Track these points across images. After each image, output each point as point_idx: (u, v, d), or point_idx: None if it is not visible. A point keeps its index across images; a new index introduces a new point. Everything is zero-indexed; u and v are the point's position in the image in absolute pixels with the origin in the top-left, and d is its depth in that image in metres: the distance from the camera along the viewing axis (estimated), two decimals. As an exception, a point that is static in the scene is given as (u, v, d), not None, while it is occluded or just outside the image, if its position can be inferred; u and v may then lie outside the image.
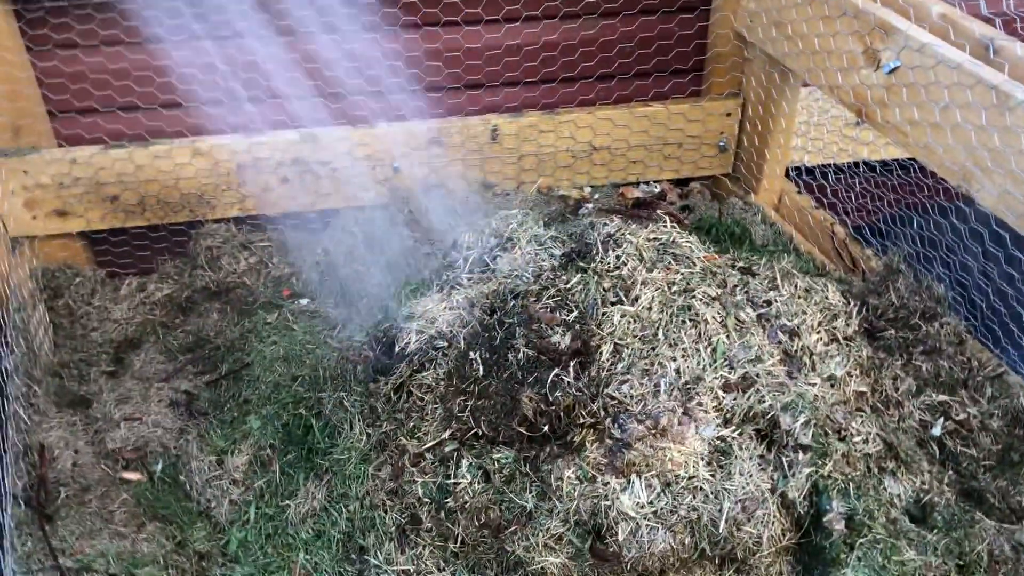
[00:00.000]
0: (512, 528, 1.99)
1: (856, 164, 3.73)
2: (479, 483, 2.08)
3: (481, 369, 2.15)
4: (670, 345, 2.05)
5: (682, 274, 2.19)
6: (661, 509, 1.90)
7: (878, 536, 1.98)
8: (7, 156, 3.02)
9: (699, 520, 1.91)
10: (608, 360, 2.04)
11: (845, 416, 2.15)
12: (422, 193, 3.33)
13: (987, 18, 2.54)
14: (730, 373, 2.05)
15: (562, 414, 2.04)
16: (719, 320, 2.12)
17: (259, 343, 2.86)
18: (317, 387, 2.54)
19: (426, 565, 2.09)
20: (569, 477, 1.96)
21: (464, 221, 3.14)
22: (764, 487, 1.95)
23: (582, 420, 2.01)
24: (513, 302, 2.19)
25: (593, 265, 2.20)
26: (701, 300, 2.12)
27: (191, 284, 3.20)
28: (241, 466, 2.50)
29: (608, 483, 1.93)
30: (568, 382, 2.04)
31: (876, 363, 2.45)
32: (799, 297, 2.26)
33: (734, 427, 2.00)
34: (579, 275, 2.19)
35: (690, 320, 2.10)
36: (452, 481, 2.09)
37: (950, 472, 2.33)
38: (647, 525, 1.89)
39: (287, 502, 2.37)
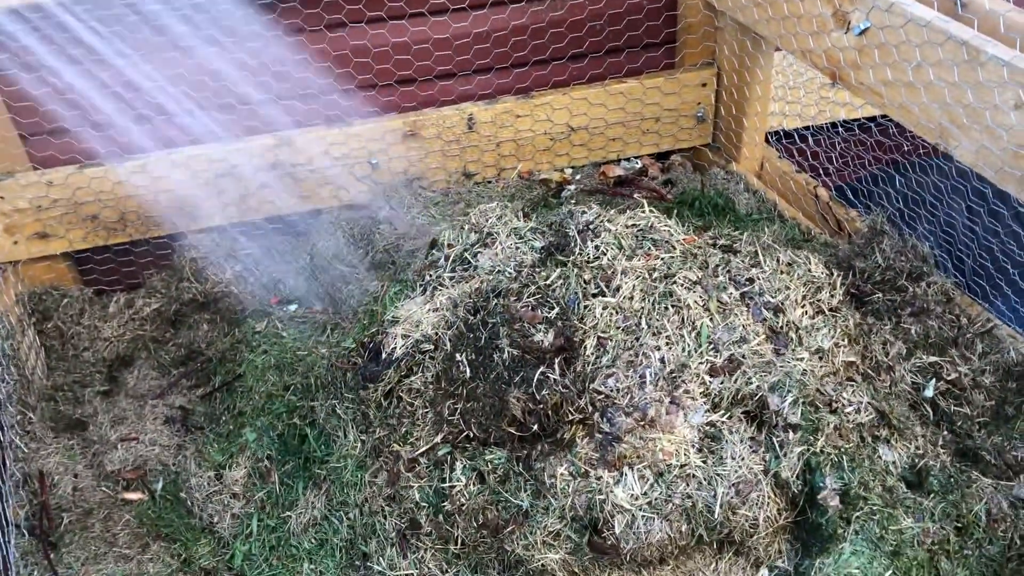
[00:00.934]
0: (510, 528, 2.01)
1: (835, 124, 3.70)
2: (474, 485, 2.09)
3: (468, 371, 2.15)
4: (653, 334, 2.05)
5: (662, 259, 2.18)
6: (655, 499, 1.91)
7: (874, 507, 1.99)
8: (-18, 183, 3.00)
9: (694, 507, 1.92)
10: (592, 354, 2.04)
11: (835, 388, 2.15)
12: (402, 187, 3.32)
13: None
14: (716, 357, 2.05)
15: (550, 412, 2.04)
16: (702, 304, 2.11)
17: (250, 353, 2.86)
18: (309, 395, 2.54)
19: (429, 568, 2.11)
20: (562, 474, 1.97)
21: (445, 213, 3.14)
22: (757, 469, 1.96)
23: (571, 417, 2.01)
24: (495, 301, 2.18)
25: (572, 258, 2.20)
26: (682, 285, 2.12)
27: (179, 297, 3.19)
28: (240, 479, 2.51)
29: (601, 477, 1.94)
30: (554, 379, 2.04)
31: (865, 329, 2.45)
32: (782, 272, 2.26)
33: (723, 411, 2.00)
34: (559, 269, 2.18)
35: (672, 306, 2.09)
36: (448, 484, 2.10)
37: (945, 433, 2.34)
38: (643, 516, 1.90)
39: (288, 513, 2.38)
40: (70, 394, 2.91)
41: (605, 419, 1.97)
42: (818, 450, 1.99)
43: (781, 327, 2.17)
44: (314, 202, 3.31)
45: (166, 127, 3.14)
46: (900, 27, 2.49)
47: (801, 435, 2.00)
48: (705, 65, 3.42)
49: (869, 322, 2.50)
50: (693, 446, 1.96)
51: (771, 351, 2.13)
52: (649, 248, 2.20)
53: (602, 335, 2.06)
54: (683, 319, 2.08)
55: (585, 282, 2.14)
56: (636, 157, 3.58)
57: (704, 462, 1.95)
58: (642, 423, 1.95)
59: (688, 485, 1.93)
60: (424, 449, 2.16)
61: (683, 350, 2.05)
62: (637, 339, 2.05)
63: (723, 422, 1.99)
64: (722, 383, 2.02)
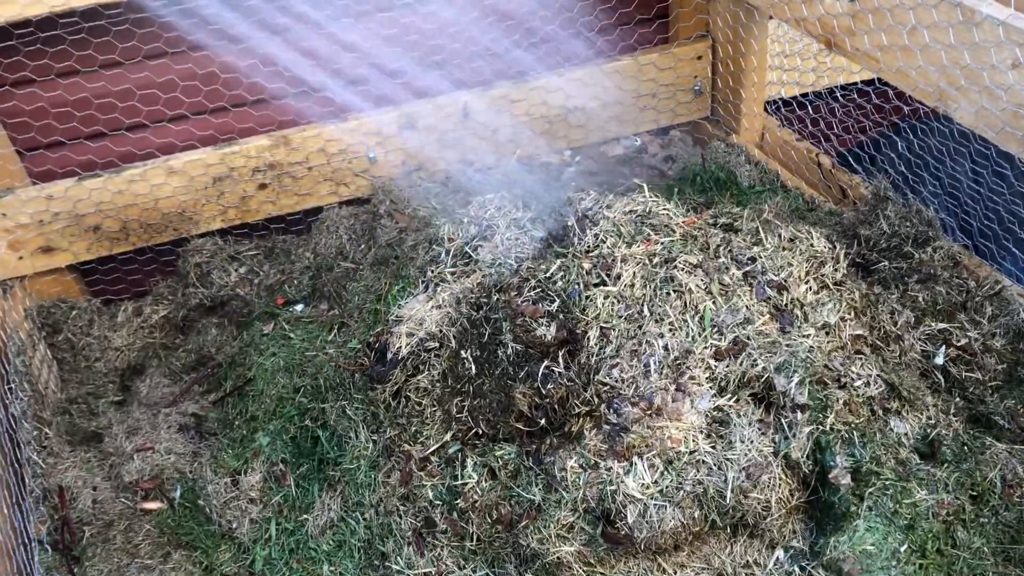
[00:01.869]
0: (524, 522, 2.01)
1: (834, 89, 3.66)
2: (486, 481, 2.09)
3: (473, 368, 2.15)
4: (656, 321, 2.04)
5: (662, 244, 2.17)
6: (666, 487, 1.91)
7: (887, 482, 1.99)
8: (-17, 202, 3.01)
9: (705, 493, 1.92)
10: (596, 345, 2.04)
11: (843, 363, 2.14)
12: (401, 180, 3.31)
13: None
14: (720, 340, 2.04)
15: (557, 406, 2.04)
16: (704, 287, 2.10)
17: (259, 356, 2.86)
18: (320, 397, 2.55)
19: (447, 565, 2.12)
20: (572, 467, 1.97)
21: (446, 204, 3.12)
22: (766, 451, 1.96)
23: (577, 409, 2.01)
24: (497, 296, 2.18)
25: (572, 248, 2.19)
26: (683, 269, 2.11)
27: (185, 303, 3.20)
28: (256, 484, 2.52)
29: (611, 468, 1.94)
30: (559, 373, 2.04)
31: (872, 300, 2.43)
32: (784, 248, 2.24)
33: (730, 395, 1.99)
34: (558, 261, 2.17)
35: (674, 291, 2.08)
36: (460, 482, 2.11)
37: (957, 400, 2.33)
38: (655, 504, 1.91)
39: (305, 516, 2.40)
40: (84, 406, 2.93)
41: (612, 410, 1.97)
42: (827, 428, 1.99)
43: (786, 305, 2.16)
44: (314, 200, 3.31)
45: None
46: (893, -9, 2.46)
47: (810, 414, 1.99)
48: (699, 38, 3.39)
49: (876, 292, 2.48)
50: (701, 432, 1.95)
51: (776, 330, 2.12)
52: (648, 233, 2.19)
53: (604, 325, 2.05)
54: (685, 304, 2.07)
55: (585, 272, 2.13)
56: (635, 135, 3.55)
57: (713, 447, 1.95)
58: (649, 412, 1.95)
59: (698, 471, 1.93)
60: (435, 447, 2.17)
61: (687, 336, 2.04)
62: (640, 327, 2.04)
63: (731, 406, 1.98)
64: (728, 367, 2.02)
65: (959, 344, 2.40)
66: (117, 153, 3.14)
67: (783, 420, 1.98)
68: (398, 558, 2.19)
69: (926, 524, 1.98)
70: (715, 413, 1.98)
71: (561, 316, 2.07)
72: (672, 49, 3.38)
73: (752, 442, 1.95)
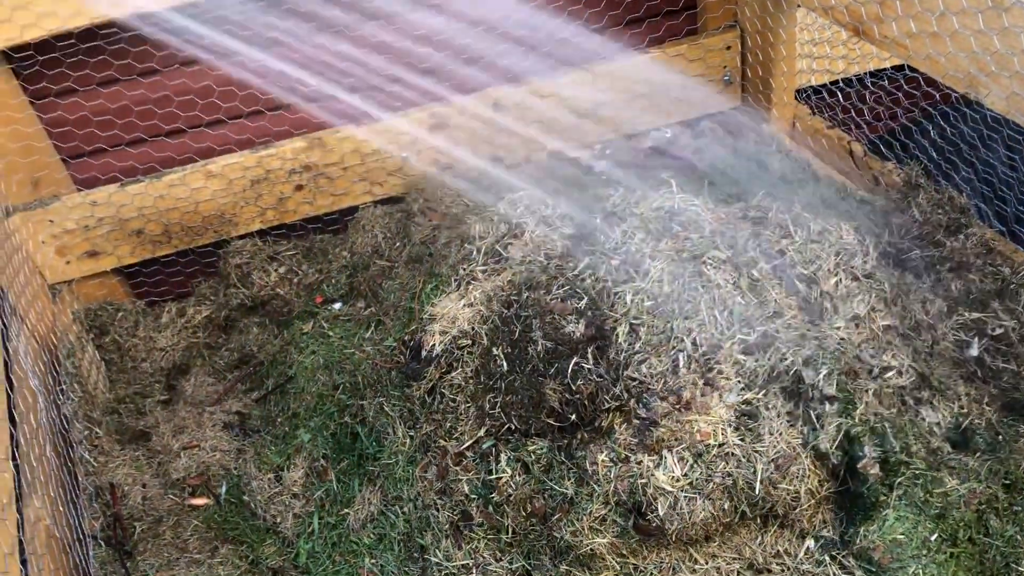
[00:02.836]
0: (557, 515, 2.06)
1: (865, 76, 3.63)
2: (519, 475, 2.14)
3: (505, 364, 2.20)
4: (685, 317, 2.07)
5: (691, 240, 2.19)
6: (696, 479, 1.95)
7: (918, 471, 2.00)
8: (32, 209, 3.12)
9: (735, 484, 1.95)
10: (625, 341, 2.07)
11: (873, 354, 2.15)
12: (434, 178, 3.36)
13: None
14: (749, 335, 2.06)
15: (586, 401, 2.08)
16: (732, 282, 2.12)
17: (299, 354, 2.94)
18: (358, 394, 2.61)
19: (484, 558, 2.18)
20: (603, 460, 2.01)
21: (477, 201, 3.17)
22: (795, 443, 1.98)
23: (607, 405, 2.05)
24: (527, 294, 2.22)
25: (600, 246, 2.22)
26: (712, 265, 2.13)
27: (227, 303, 3.29)
28: (299, 480, 2.60)
29: (641, 461, 1.97)
30: (588, 369, 2.08)
31: (903, 289, 2.43)
32: (813, 242, 2.25)
33: (758, 388, 2.01)
34: (587, 258, 2.21)
35: (703, 287, 2.11)
36: (494, 476, 2.16)
37: (991, 389, 2.32)
38: (685, 496, 1.94)
39: (346, 510, 2.47)
40: (132, 406, 3.03)
41: (641, 405, 2.00)
42: (856, 419, 2.00)
43: (815, 298, 2.18)
44: (350, 200, 3.37)
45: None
46: (921, -23, 2.44)
47: (838, 406, 2.01)
48: (728, 28, 3.38)
49: (907, 281, 2.48)
50: (730, 425, 1.98)
51: (805, 323, 2.14)
52: (677, 230, 2.21)
53: (634, 321, 2.08)
54: (714, 299, 2.09)
55: (614, 269, 2.16)
56: (665, 127, 3.56)
57: (742, 440, 1.97)
58: (678, 406, 1.98)
59: (727, 463, 1.96)
60: (469, 443, 2.22)
61: (716, 330, 2.06)
62: (668, 323, 2.07)
63: (759, 399, 2.01)
64: (756, 361, 2.04)
65: (994, 334, 2.38)
66: (157, 159, 3.22)
67: (812, 412, 2.00)
68: (437, 551, 2.24)
69: (957, 513, 1.98)
70: (744, 407, 2.00)
71: (590, 313, 2.11)
72: (701, 40, 3.39)
73: (781, 434, 1.97)
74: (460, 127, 3.32)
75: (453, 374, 2.30)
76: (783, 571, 2.01)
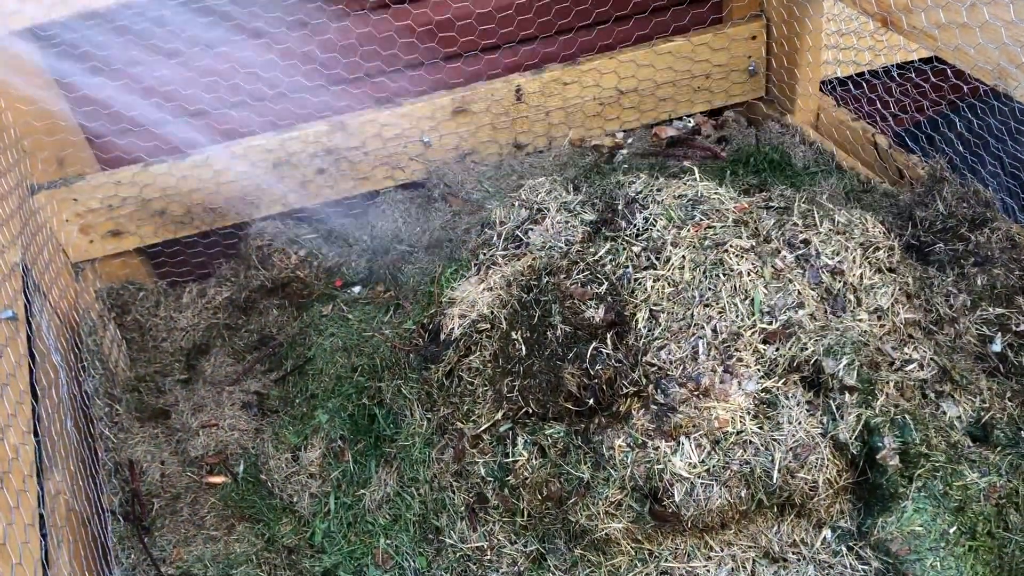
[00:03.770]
0: (573, 499, 2.06)
1: (891, 68, 3.60)
2: (536, 459, 2.14)
3: (523, 349, 2.20)
4: (705, 304, 2.06)
5: (713, 228, 2.18)
6: (713, 466, 1.94)
7: (937, 464, 1.99)
8: (56, 187, 3.14)
9: (752, 472, 1.94)
10: (644, 327, 2.06)
11: (895, 346, 2.14)
12: (455, 163, 3.36)
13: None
14: (770, 324, 2.05)
15: (605, 386, 2.08)
16: (755, 271, 2.11)
17: (318, 336, 2.95)
18: (376, 376, 2.62)
19: (499, 540, 2.18)
20: (620, 445, 2.01)
21: (498, 187, 3.17)
22: (814, 432, 1.97)
23: (625, 390, 2.04)
24: (547, 279, 2.22)
25: (621, 232, 2.21)
26: (734, 253, 2.12)
27: (247, 284, 3.30)
28: (316, 460, 2.61)
29: (658, 447, 1.97)
30: (607, 354, 2.07)
31: (926, 283, 2.41)
32: (838, 233, 2.23)
33: (778, 377, 2.00)
34: (608, 244, 2.20)
35: (724, 275, 2.09)
36: (511, 459, 2.16)
37: (1013, 384, 2.30)
38: (701, 483, 1.93)
39: (362, 490, 2.48)
40: (152, 384, 3.05)
41: (659, 390, 2.00)
42: (876, 410, 1.99)
43: (838, 290, 2.16)
44: (371, 184, 3.38)
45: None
46: (950, -32, 2.42)
47: (858, 397, 1.99)
48: (753, 17, 3.37)
49: (931, 274, 2.46)
50: (748, 413, 1.97)
51: (828, 314, 2.12)
52: (699, 218, 2.20)
53: (654, 308, 2.08)
54: (735, 287, 2.08)
55: (635, 255, 2.15)
56: (688, 116, 3.55)
57: (760, 428, 1.96)
58: (696, 393, 1.98)
59: (745, 451, 1.95)
60: (486, 426, 2.22)
61: (736, 317, 2.05)
62: (688, 310, 2.06)
63: (779, 387, 2.00)
64: (777, 350, 2.03)
65: (1017, 329, 2.36)
66: (181, 139, 3.24)
67: (832, 402, 1.99)
68: (452, 532, 2.25)
69: (977, 506, 1.97)
70: (763, 395, 1.99)
71: (610, 299, 2.10)
72: (726, 29, 3.37)
73: (800, 423, 1.96)
74: (482, 112, 3.32)
75: (471, 357, 2.30)
76: (799, 561, 2.00)
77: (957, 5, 2.51)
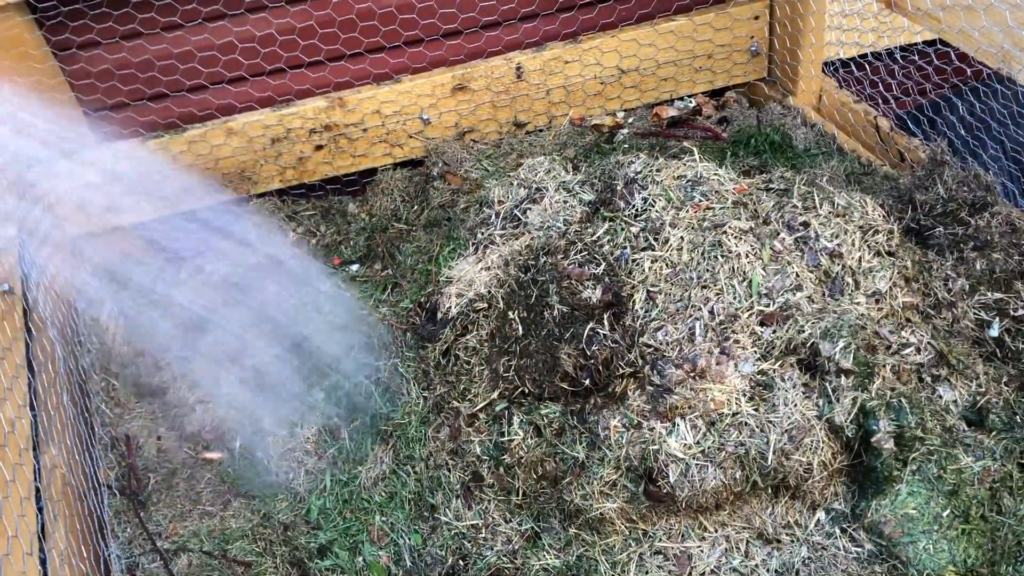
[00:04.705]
0: (568, 478, 2.06)
1: (894, 50, 3.58)
2: (531, 438, 2.14)
3: (520, 328, 2.20)
4: (703, 286, 2.05)
5: (712, 209, 2.17)
6: (708, 448, 1.94)
7: (932, 447, 1.99)
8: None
9: (747, 454, 1.95)
10: (641, 308, 2.06)
11: (892, 330, 2.14)
12: (454, 141, 3.34)
13: None
14: (768, 306, 2.04)
15: (601, 366, 2.08)
16: (753, 253, 2.10)
17: (316, 313, 2.94)
18: (373, 354, 2.62)
19: (493, 518, 2.19)
20: (615, 426, 2.01)
21: (498, 165, 3.15)
22: (810, 415, 1.97)
23: (621, 371, 2.04)
24: (544, 258, 2.21)
25: (620, 212, 2.20)
26: (732, 235, 2.11)
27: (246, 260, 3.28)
28: (312, 436, 2.61)
29: (654, 428, 1.97)
30: (604, 335, 2.07)
31: (925, 267, 2.41)
32: (838, 216, 2.22)
33: (774, 360, 2.00)
34: (606, 224, 2.19)
35: (722, 256, 2.09)
36: (506, 438, 2.16)
37: (1010, 369, 2.30)
38: (696, 464, 1.94)
39: (358, 468, 2.48)
40: (149, 359, 3.04)
41: (655, 371, 1.99)
42: (872, 394, 1.99)
43: (837, 272, 2.15)
44: (370, 161, 3.36)
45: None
46: (956, -51, 2.40)
47: (854, 380, 1.99)
48: (756, -3, 3.34)
49: (930, 258, 2.45)
50: (744, 395, 1.97)
51: (826, 297, 2.12)
52: (698, 199, 2.19)
53: (651, 289, 2.07)
54: (733, 269, 2.08)
55: (633, 236, 2.15)
56: (689, 96, 3.53)
57: (756, 410, 1.96)
58: (692, 374, 1.97)
59: (740, 433, 1.95)
60: (482, 405, 2.22)
61: (734, 299, 2.05)
62: (686, 291, 2.06)
63: (775, 370, 2.00)
64: (774, 332, 2.03)
65: (1016, 314, 2.36)
66: (178, 114, 3.22)
67: (827, 385, 1.99)
68: (447, 510, 2.26)
69: (971, 490, 1.97)
70: (759, 377, 1.99)
71: (607, 279, 2.10)
72: (728, 9, 3.34)
73: (795, 405, 1.96)
74: (482, 90, 3.29)
75: (468, 336, 2.30)
76: (793, 542, 2.01)
77: (962, -13, 2.49)
